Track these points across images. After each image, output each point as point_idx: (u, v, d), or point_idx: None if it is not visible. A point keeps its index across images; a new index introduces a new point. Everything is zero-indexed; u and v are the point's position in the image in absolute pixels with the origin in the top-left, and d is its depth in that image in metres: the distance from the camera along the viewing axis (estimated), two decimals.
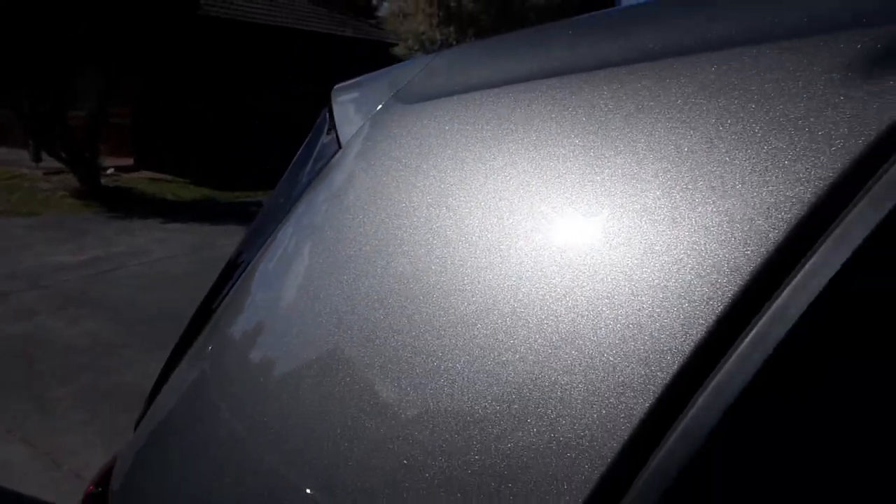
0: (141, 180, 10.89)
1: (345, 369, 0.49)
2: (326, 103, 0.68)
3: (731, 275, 0.33)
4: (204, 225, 8.18)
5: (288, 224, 0.66)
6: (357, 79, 0.70)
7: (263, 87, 13.80)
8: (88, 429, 3.01)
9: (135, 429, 0.76)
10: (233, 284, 0.74)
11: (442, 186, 0.49)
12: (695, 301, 0.33)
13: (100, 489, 0.76)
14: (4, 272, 5.74)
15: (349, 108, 0.64)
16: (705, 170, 0.36)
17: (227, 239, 7.34)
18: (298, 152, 0.74)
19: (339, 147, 0.60)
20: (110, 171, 10.90)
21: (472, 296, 0.43)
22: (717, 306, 0.33)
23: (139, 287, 5.34)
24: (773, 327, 0.31)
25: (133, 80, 11.10)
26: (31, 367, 3.69)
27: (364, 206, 0.54)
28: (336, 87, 0.70)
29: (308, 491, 0.46)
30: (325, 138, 0.65)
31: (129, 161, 11.76)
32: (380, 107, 0.58)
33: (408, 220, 0.49)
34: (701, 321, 0.33)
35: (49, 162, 10.67)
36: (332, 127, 0.63)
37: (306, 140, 0.72)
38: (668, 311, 0.34)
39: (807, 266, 0.32)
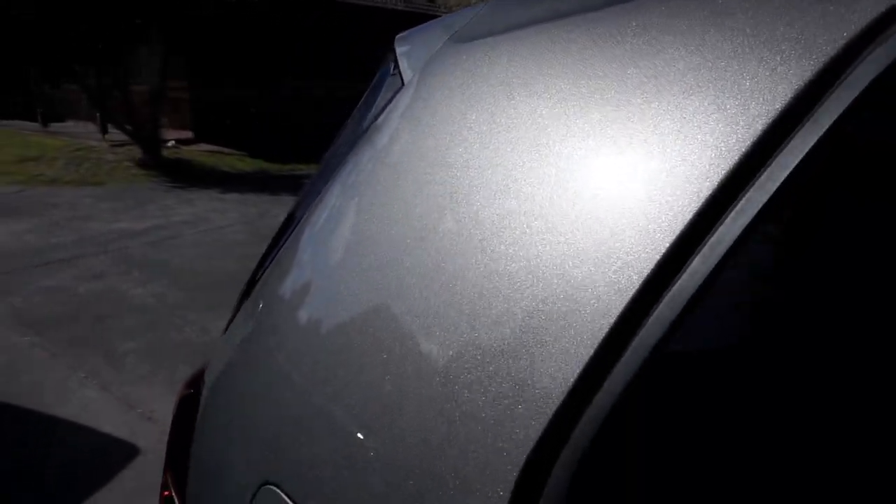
0: (199, 152, 11.27)
1: (386, 321, 0.53)
2: (391, 51, 0.75)
3: None
4: (259, 195, 8.45)
5: (335, 182, 0.72)
6: (416, 28, 0.77)
7: (315, 66, 14.01)
8: (154, 379, 3.23)
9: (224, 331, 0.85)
10: (284, 242, 0.79)
11: (492, 117, 0.54)
12: None
13: (191, 391, 0.85)
14: (75, 238, 6.10)
15: (411, 52, 0.70)
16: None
17: (279, 208, 7.57)
18: (363, 97, 0.81)
19: (403, 84, 0.67)
20: (171, 143, 11.32)
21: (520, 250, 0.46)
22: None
23: (197, 254, 5.59)
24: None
25: (191, 57, 11.46)
26: (102, 323, 3.96)
27: (420, 143, 0.60)
28: (398, 36, 0.77)
29: (355, 432, 0.53)
30: (388, 79, 0.72)
31: (189, 134, 12.18)
32: (437, 48, 0.65)
33: (460, 152, 0.55)
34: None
35: (115, 134, 11.17)
36: (396, 68, 0.70)
37: (371, 84, 0.79)
38: None
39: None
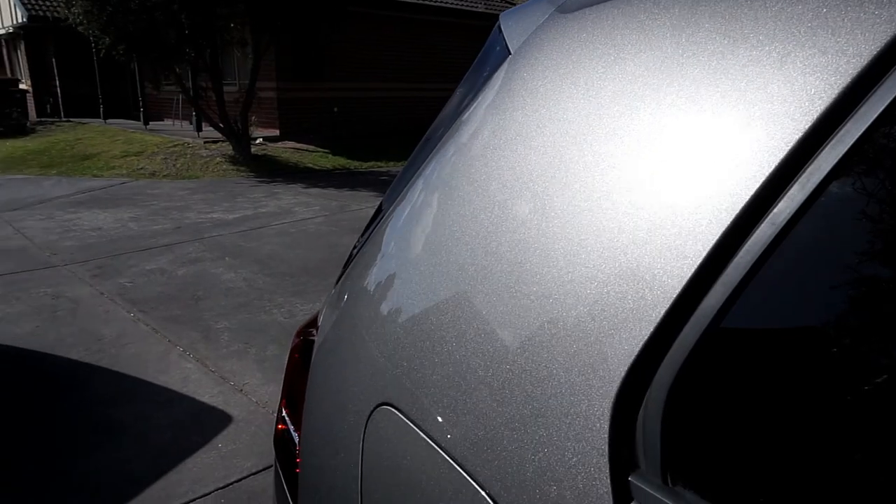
0: (285, 150, 11.76)
1: (464, 311, 0.59)
2: (497, 27, 0.81)
3: None
4: (340, 190, 8.75)
5: (418, 178, 0.77)
6: (523, 3, 0.83)
7: (397, 69, 14.33)
8: (245, 356, 3.44)
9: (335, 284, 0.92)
10: (368, 236, 0.85)
11: (599, 83, 0.59)
12: None
13: (300, 339, 0.93)
14: (172, 226, 6.54)
15: (516, 24, 0.76)
16: None
17: (359, 203, 7.83)
18: (466, 75, 0.88)
19: (509, 53, 0.73)
20: (259, 140, 11.88)
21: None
22: None
23: (283, 243, 5.87)
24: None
25: (279, 59, 11.98)
26: (198, 304, 4.24)
27: (510, 122, 0.65)
28: (503, 13, 0.84)
29: (435, 417, 0.59)
30: (493, 53, 0.79)
31: (276, 132, 12.73)
32: (543, 20, 0.70)
33: (556, 124, 0.60)
34: None
35: (208, 132, 11.83)
36: (502, 40, 0.76)
37: (476, 60, 0.85)
38: None
39: None
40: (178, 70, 10.28)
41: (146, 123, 14.14)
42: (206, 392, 3.02)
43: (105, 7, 9.03)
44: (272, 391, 3.04)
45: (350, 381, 0.72)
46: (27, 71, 19.15)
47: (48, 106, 18.35)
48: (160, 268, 5.06)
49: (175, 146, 11.25)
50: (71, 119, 16.89)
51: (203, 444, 2.58)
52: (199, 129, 12.40)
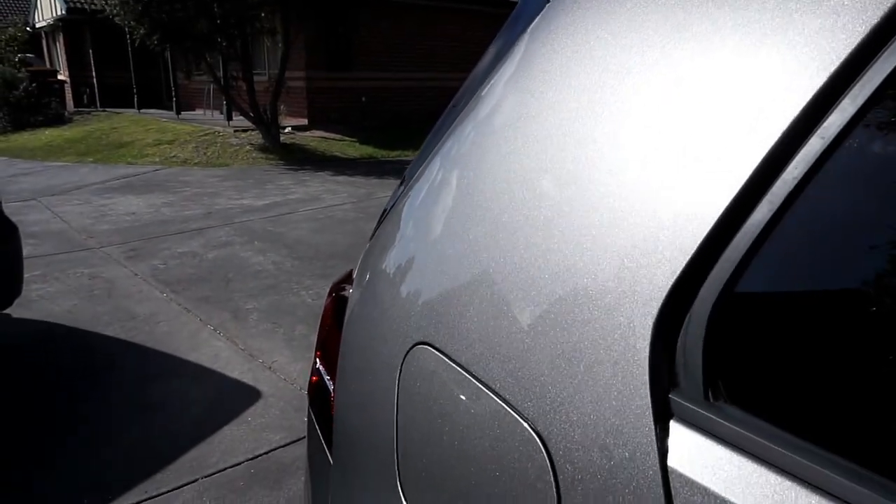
0: (313, 138, 11.86)
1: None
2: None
3: None
4: (367, 178, 8.80)
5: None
6: None
7: (426, 59, 14.32)
8: (274, 335, 3.49)
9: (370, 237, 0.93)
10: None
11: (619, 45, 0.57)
12: None
13: (334, 294, 0.95)
14: (203, 212, 6.64)
15: None
16: None
17: (386, 191, 7.85)
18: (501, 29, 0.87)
19: (548, 1, 0.72)
20: (288, 129, 11.99)
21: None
22: None
23: (311, 228, 5.93)
24: None
25: (308, 50, 12.07)
26: (228, 285, 4.31)
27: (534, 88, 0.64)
28: None
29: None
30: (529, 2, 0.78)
31: (304, 121, 12.84)
32: None
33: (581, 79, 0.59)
34: None
35: (238, 121, 11.98)
36: None
37: (510, 18, 0.84)
38: None
39: None
40: (209, 59, 10.42)
41: (178, 113, 14.38)
42: (235, 369, 3.08)
43: None
44: (300, 369, 3.08)
45: (385, 326, 0.72)
46: (65, 62, 19.61)
47: (85, 96, 18.78)
48: (191, 251, 5.15)
49: (206, 135, 11.42)
50: (106, 109, 17.26)
51: (233, 418, 2.63)
52: (229, 118, 12.56)
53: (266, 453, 2.40)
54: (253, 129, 11.06)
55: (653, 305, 0.44)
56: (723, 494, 0.38)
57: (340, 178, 8.84)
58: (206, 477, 2.25)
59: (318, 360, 0.91)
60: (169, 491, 2.17)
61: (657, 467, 0.42)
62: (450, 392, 0.59)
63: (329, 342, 0.88)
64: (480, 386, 0.56)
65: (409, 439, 0.64)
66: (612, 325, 0.47)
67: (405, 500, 0.63)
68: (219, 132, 11.57)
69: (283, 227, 5.99)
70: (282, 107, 11.43)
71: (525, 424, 0.51)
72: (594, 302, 0.49)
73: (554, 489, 0.48)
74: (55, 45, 20.68)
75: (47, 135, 13.11)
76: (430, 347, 0.63)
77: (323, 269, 4.68)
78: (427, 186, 0.76)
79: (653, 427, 0.43)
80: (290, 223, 6.14)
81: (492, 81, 0.74)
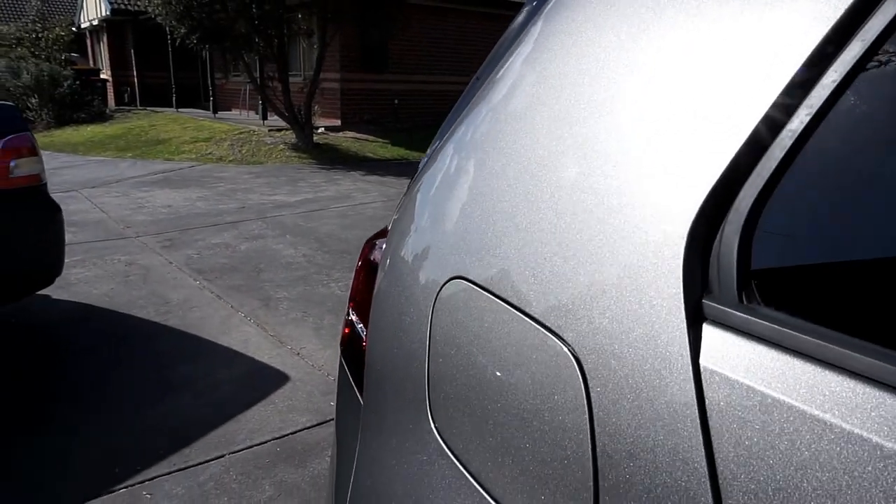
0: (346, 139, 11.99)
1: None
2: None
3: None
4: (398, 178, 8.86)
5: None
6: None
7: (457, 63, 14.38)
8: (303, 323, 3.53)
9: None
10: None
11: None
12: None
13: (368, 247, 0.96)
14: (236, 206, 6.77)
15: None
16: None
17: None
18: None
19: None
20: (321, 129, 12.15)
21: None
22: None
23: (341, 224, 5.99)
24: None
25: (343, 52, 12.23)
26: (259, 275, 4.38)
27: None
28: None
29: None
30: None
31: (337, 122, 12.99)
32: None
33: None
34: None
35: (272, 121, 12.18)
36: None
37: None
38: None
39: None
40: (246, 59, 10.63)
41: (215, 112, 14.68)
42: (264, 353, 3.13)
43: None
44: (328, 356, 3.11)
45: (419, 264, 0.74)
46: (108, 61, 20.20)
47: (125, 95, 19.31)
48: (225, 242, 5.25)
49: (241, 133, 11.63)
50: (146, 107, 17.72)
51: (260, 400, 2.67)
52: (264, 118, 12.78)
53: (292, 434, 2.43)
54: (287, 129, 11.23)
55: (688, 216, 0.45)
56: (759, 387, 0.38)
57: (372, 177, 8.92)
58: (232, 453, 2.29)
59: (350, 310, 0.92)
60: (197, 464, 2.22)
61: (689, 368, 0.42)
62: (484, 319, 0.60)
63: (362, 291, 0.90)
64: (514, 311, 0.57)
65: (441, 369, 0.65)
66: (646, 239, 0.47)
67: (435, 426, 0.64)
68: (253, 131, 11.78)
69: (314, 222, 6.07)
70: (316, 107, 11.59)
71: (556, 341, 0.52)
72: (628, 217, 0.49)
73: (585, 401, 0.49)
74: (99, 44, 21.31)
75: (89, 131, 13.50)
76: (464, 280, 0.65)
77: (352, 262, 4.72)
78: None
79: (685, 331, 0.43)
80: (321, 219, 6.21)
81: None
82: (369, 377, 0.78)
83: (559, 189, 0.57)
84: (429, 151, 0.89)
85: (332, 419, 1.00)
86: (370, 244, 0.97)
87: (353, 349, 0.88)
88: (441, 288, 0.67)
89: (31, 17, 19.87)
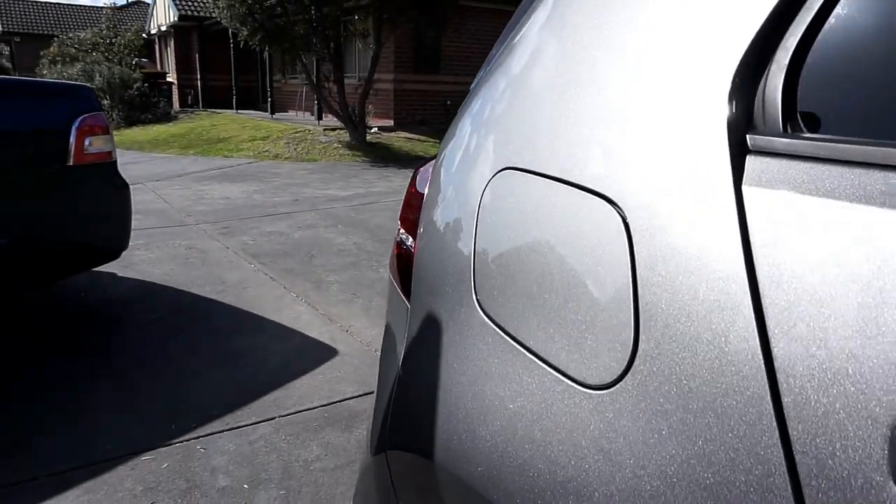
0: (398, 139, 12.15)
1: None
2: None
3: None
4: None
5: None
6: None
7: None
8: (352, 304, 3.60)
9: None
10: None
11: None
12: None
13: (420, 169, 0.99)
14: (291, 199, 6.95)
15: None
16: None
17: None
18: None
19: None
20: (374, 129, 12.35)
21: None
22: None
23: (392, 216, 6.07)
24: None
25: (397, 53, 12.41)
26: (312, 260, 4.49)
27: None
28: None
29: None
30: None
31: (390, 122, 13.18)
32: None
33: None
34: None
35: (327, 121, 12.46)
36: None
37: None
38: None
39: None
40: (304, 60, 10.92)
41: (272, 113, 15.12)
42: (314, 330, 3.20)
43: (244, 1, 9.80)
44: (376, 334, 3.16)
45: (467, 166, 0.76)
46: (174, 66, 21.08)
47: (189, 97, 20.09)
48: (279, 230, 5.41)
49: (297, 133, 11.94)
50: (207, 109, 18.39)
51: (310, 371, 2.74)
52: (319, 118, 13.09)
53: (339, 402, 2.48)
54: (341, 129, 11.47)
55: (735, 56, 0.45)
56: (806, 194, 0.39)
57: None
58: (282, 416, 2.36)
59: (400, 231, 0.95)
60: (248, 425, 2.29)
61: (732, 195, 0.42)
62: (535, 198, 0.62)
63: (413, 209, 0.93)
64: (562, 184, 0.58)
65: (488, 253, 0.66)
66: (692, 83, 0.48)
67: (482, 309, 0.65)
68: (309, 130, 12.07)
69: (365, 214, 6.18)
70: (369, 107, 11.79)
71: (602, 201, 0.53)
72: (674, 65, 0.50)
73: (629, 256, 0.49)
74: (166, 49, 22.28)
75: (154, 130, 14.12)
76: (512, 170, 0.66)
77: None
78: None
79: (729, 162, 0.43)
80: (372, 211, 6.32)
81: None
82: (417, 278, 0.81)
83: (607, 64, 0.58)
84: (473, 84, 0.91)
85: (387, 309, 1.05)
86: (419, 169, 1.00)
87: (401, 262, 0.90)
88: (489, 181, 0.69)
89: (104, 25, 20.96)
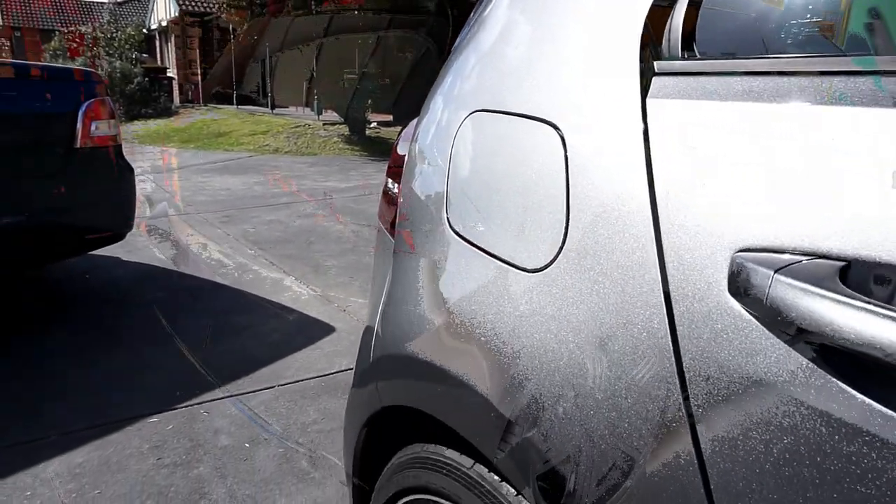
0: (397, 134, 12.24)
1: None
2: None
3: None
4: None
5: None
6: None
7: None
8: (350, 286, 3.72)
9: None
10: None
11: None
12: None
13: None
14: (291, 190, 7.07)
15: None
16: None
17: None
18: None
19: None
20: (373, 124, 12.46)
21: None
22: None
23: None
24: None
25: (398, 51, 12.51)
26: (310, 247, 4.60)
27: None
28: None
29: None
30: None
31: (389, 118, 13.28)
32: None
33: None
34: None
35: (327, 116, 12.57)
36: None
37: None
38: None
39: None
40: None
41: (272, 108, 15.22)
42: (313, 309, 3.32)
43: None
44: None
45: (444, 112, 0.87)
46: (174, 61, 21.17)
47: (189, 92, 20.19)
48: (278, 219, 5.52)
49: (297, 127, 12.05)
50: (208, 104, 18.48)
51: (308, 345, 2.85)
52: (319, 112, 13.18)
53: (336, 373, 2.59)
54: (341, 123, 11.58)
55: (646, 4, 0.57)
56: (690, 98, 0.50)
57: None
58: (281, 385, 2.47)
59: (387, 180, 1.06)
60: (249, 392, 2.41)
61: (639, 106, 0.54)
62: (498, 130, 0.73)
63: (397, 161, 1.04)
64: (521, 118, 0.69)
65: (458, 180, 0.77)
66: (616, 29, 0.59)
67: (450, 225, 0.77)
68: (308, 125, 12.17)
69: (363, 204, 6.29)
70: (368, 103, 11.89)
71: (546, 125, 0.64)
72: (605, 18, 0.61)
73: (563, 164, 0.61)
74: (166, 44, 22.36)
75: (155, 125, 14.22)
76: (482, 112, 0.77)
77: None
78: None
79: (639, 82, 0.55)
80: (370, 201, 6.43)
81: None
82: (401, 215, 0.92)
83: (562, 19, 0.69)
84: (461, 36, 1.02)
85: (374, 253, 1.17)
86: (401, 133, 1.11)
87: (387, 205, 1.02)
88: (462, 122, 0.80)
89: (105, 20, 21.04)
